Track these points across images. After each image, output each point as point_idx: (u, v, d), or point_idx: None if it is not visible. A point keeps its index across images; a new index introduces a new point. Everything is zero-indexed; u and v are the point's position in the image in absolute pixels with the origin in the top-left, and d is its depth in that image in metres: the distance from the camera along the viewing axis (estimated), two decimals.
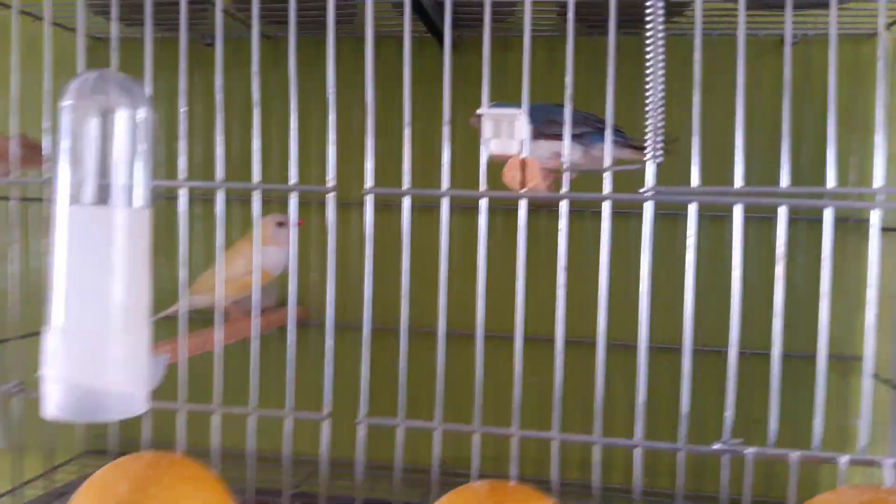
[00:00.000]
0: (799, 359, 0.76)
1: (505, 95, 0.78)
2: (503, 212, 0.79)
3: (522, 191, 0.45)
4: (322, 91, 0.62)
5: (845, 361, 0.77)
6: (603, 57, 0.77)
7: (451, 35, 0.47)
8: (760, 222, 0.76)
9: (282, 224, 0.74)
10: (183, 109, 0.50)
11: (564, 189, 0.46)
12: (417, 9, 0.69)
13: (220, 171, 0.50)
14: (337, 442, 0.53)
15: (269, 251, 0.73)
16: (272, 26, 0.81)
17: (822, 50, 0.74)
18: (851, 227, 0.75)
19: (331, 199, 0.48)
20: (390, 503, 0.77)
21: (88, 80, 0.44)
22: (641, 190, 0.45)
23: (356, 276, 0.79)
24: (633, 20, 0.71)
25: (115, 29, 0.51)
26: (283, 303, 0.85)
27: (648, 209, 0.45)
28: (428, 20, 0.72)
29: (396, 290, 0.78)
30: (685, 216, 0.45)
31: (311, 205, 0.81)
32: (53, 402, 0.45)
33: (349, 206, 0.82)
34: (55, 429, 0.76)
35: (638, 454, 0.47)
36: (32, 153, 0.71)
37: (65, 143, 0.44)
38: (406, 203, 0.48)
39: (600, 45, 0.77)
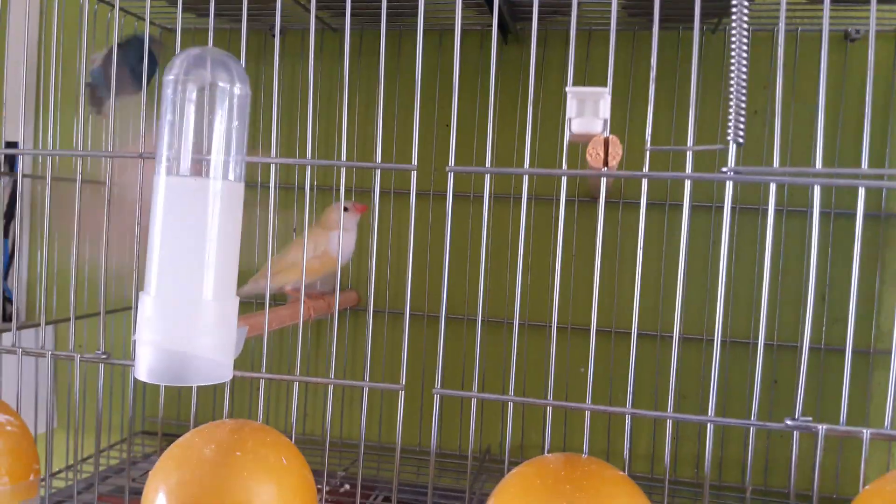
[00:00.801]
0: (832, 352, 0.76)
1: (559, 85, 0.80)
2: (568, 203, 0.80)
3: (605, 169, 0.46)
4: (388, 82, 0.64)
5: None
6: (665, 49, 0.79)
7: (534, 28, 0.49)
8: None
9: (347, 209, 0.76)
10: (276, 92, 0.51)
11: (645, 168, 0.47)
12: (486, 1, 0.71)
13: (308, 149, 0.51)
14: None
15: (335, 236, 0.74)
16: (339, 18, 0.83)
17: (882, 47, 0.74)
18: None
19: (414, 177, 0.50)
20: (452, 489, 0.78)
21: (190, 55, 0.46)
22: (723, 169, 0.46)
23: (414, 265, 0.81)
24: (689, 15, 0.72)
25: (212, 10, 0.53)
26: (341, 288, 0.87)
27: (728, 189, 0.46)
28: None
29: (455, 278, 0.80)
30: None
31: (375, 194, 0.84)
32: (144, 365, 0.46)
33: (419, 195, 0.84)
34: (132, 408, 0.79)
35: (710, 429, 0.47)
36: None
37: (166, 117, 0.46)
38: (487, 181, 0.49)
39: (664, 40, 0.79)
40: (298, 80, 0.88)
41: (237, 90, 0.47)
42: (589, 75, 0.80)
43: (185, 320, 0.46)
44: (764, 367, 0.80)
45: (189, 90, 0.46)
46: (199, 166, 0.47)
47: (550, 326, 0.49)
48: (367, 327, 0.51)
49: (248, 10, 0.76)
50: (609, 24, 0.80)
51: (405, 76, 0.85)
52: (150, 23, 0.88)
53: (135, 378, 0.45)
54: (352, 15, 0.80)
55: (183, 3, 0.78)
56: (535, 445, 0.83)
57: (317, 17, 0.80)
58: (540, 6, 0.72)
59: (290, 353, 0.88)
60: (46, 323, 0.81)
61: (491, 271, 0.83)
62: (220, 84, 0.46)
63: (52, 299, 0.90)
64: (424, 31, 0.84)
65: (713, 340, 0.46)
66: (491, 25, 0.79)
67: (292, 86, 0.88)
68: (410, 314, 0.83)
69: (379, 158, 0.50)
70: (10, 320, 0.85)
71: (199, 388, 0.62)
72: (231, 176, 0.47)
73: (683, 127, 0.76)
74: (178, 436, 0.48)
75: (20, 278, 0.92)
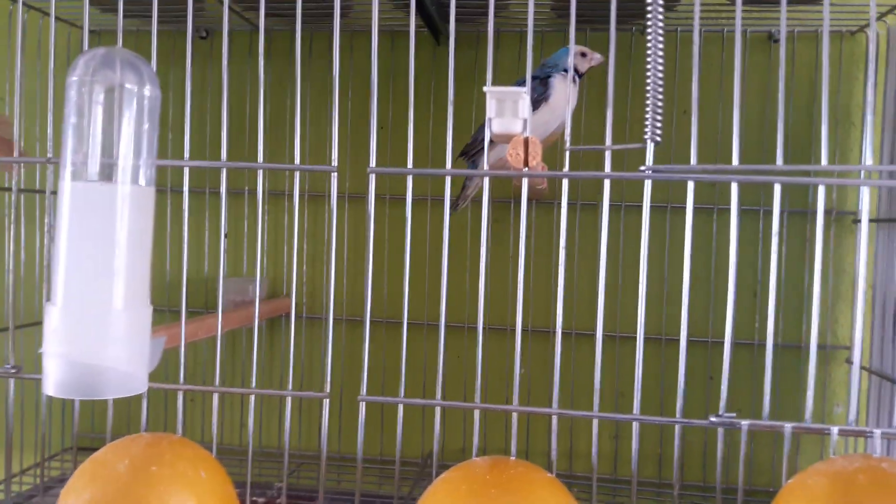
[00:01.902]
0: (783, 348, 0.77)
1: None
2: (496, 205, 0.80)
3: (526, 169, 0.46)
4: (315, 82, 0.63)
5: (826, 351, 0.79)
6: (594, 49, 0.79)
7: (454, 29, 0.48)
8: (745, 215, 0.78)
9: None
10: (188, 89, 0.50)
11: (565, 168, 0.47)
12: (417, 4, 0.71)
13: (223, 151, 0.50)
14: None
15: None
16: (267, 19, 0.82)
17: (805, 46, 0.76)
18: (834, 220, 0.77)
19: (334, 179, 0.49)
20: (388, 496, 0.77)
21: (96, 56, 0.45)
22: (641, 168, 0.46)
23: (340, 270, 0.80)
24: (622, 15, 0.73)
25: (121, 10, 0.51)
26: (269, 296, 0.86)
27: (647, 187, 0.46)
28: (424, 14, 0.73)
29: (383, 284, 0.80)
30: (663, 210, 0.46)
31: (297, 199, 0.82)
32: (53, 379, 0.44)
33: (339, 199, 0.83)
34: (44, 424, 0.75)
35: (636, 427, 0.47)
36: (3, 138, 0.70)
37: (70, 120, 0.44)
38: (409, 183, 0.48)
39: (592, 40, 0.80)
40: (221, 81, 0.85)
41: (146, 91, 0.46)
42: (522, 75, 0.80)
43: (95, 331, 0.45)
44: (698, 363, 0.81)
45: (95, 91, 0.44)
46: (107, 171, 0.45)
47: (478, 329, 0.49)
48: (290, 334, 0.50)
49: (174, 11, 0.75)
50: (539, 25, 0.81)
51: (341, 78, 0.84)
52: (73, 25, 0.85)
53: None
54: (282, 16, 0.79)
55: (105, 5, 0.76)
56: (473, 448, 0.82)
57: (245, 18, 0.78)
58: (469, 7, 0.73)
59: (233, 363, 0.86)
60: None
61: (427, 274, 0.82)
62: (128, 85, 0.45)
63: None
64: (359, 32, 0.84)
65: (648, 339, 0.47)
66: (424, 27, 0.78)
67: (219, 88, 0.85)
68: (347, 319, 0.82)
69: (298, 161, 0.49)
70: None
71: (124, 401, 0.60)
72: (141, 180, 0.46)
73: (618, 127, 0.77)
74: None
75: None
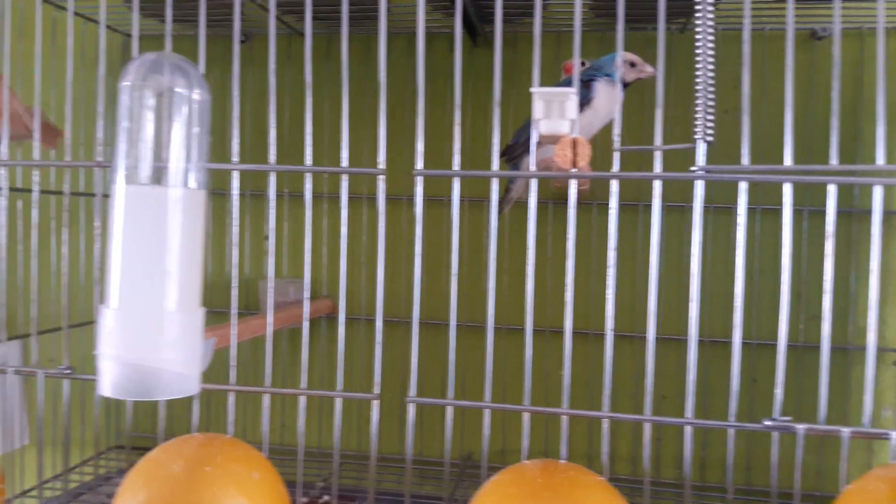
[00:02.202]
0: (810, 349, 0.76)
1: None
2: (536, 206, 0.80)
3: (574, 170, 0.46)
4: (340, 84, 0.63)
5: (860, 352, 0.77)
6: (633, 49, 0.78)
7: (493, 30, 0.48)
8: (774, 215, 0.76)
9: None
10: (236, 94, 0.50)
11: (615, 168, 0.46)
12: (451, 4, 0.71)
13: (272, 153, 0.50)
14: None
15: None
16: (302, 22, 0.82)
17: (848, 44, 0.75)
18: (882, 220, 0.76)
19: (381, 181, 0.49)
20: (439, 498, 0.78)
21: (146, 61, 0.45)
22: (692, 168, 0.45)
23: (390, 271, 0.80)
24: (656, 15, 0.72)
25: (169, 13, 0.52)
26: (314, 296, 0.86)
27: (698, 188, 0.46)
28: (462, 15, 0.73)
29: (433, 285, 0.80)
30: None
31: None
32: (108, 380, 0.45)
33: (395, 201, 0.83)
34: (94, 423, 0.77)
35: (689, 432, 0.47)
36: (46, 130, 0.71)
37: (123, 124, 0.45)
38: (456, 185, 0.48)
39: (630, 40, 0.79)
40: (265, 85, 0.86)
41: (195, 95, 0.46)
42: (560, 76, 0.80)
43: (148, 333, 0.45)
44: (742, 366, 0.80)
45: (146, 96, 0.45)
46: (159, 174, 0.45)
47: (525, 330, 0.48)
48: (340, 335, 0.50)
49: (217, 15, 0.76)
50: (572, 25, 0.80)
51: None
52: (113, 29, 0.87)
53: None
54: (320, 19, 0.79)
55: (145, 9, 0.77)
56: (516, 450, 0.82)
57: (284, 21, 0.79)
58: (508, 8, 0.72)
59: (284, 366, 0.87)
60: (9, 338, 0.79)
61: (467, 276, 0.82)
62: (178, 90, 0.45)
63: (27, 311, 0.88)
64: (396, 34, 0.84)
65: (702, 342, 0.46)
66: (461, 28, 0.78)
67: (262, 91, 0.86)
68: (386, 321, 0.82)
69: (346, 163, 0.49)
70: None
71: (171, 401, 0.61)
72: (192, 183, 0.46)
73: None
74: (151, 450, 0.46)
75: None
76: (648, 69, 0.65)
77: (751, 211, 0.76)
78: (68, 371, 0.53)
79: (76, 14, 0.81)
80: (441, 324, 0.81)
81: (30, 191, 0.57)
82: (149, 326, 0.45)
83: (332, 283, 0.86)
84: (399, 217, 0.83)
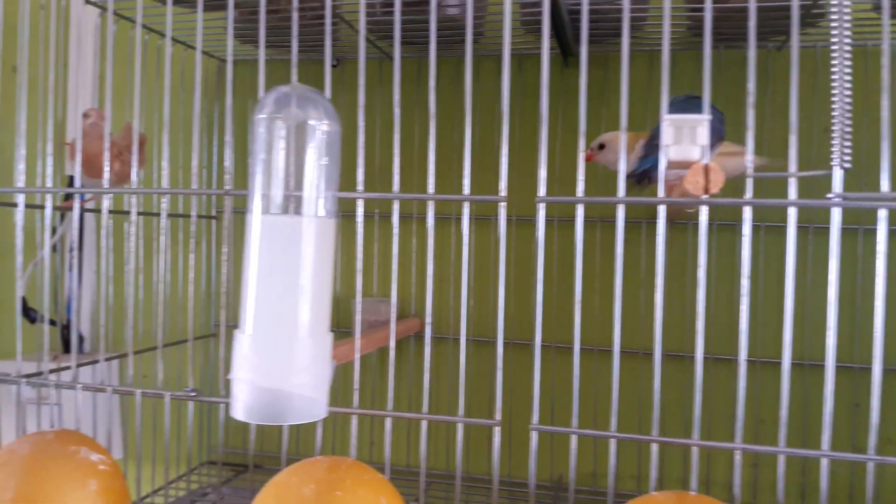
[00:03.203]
0: None
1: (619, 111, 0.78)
2: (634, 225, 0.79)
3: (705, 197, 0.45)
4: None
5: None
6: (730, 68, 0.78)
7: (586, 52, 0.48)
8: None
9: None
10: (361, 124, 0.51)
11: (748, 195, 0.46)
12: (553, 27, 0.71)
13: (396, 182, 0.51)
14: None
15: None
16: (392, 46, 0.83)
17: None
18: None
19: (503, 208, 0.49)
20: None
21: (280, 93, 0.47)
22: (828, 195, 0.44)
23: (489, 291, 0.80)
24: (758, 32, 0.71)
25: (294, 47, 0.53)
26: (402, 315, 0.87)
27: (835, 215, 0.45)
28: (558, 36, 0.74)
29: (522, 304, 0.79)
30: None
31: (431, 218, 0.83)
32: (241, 404, 0.46)
33: (480, 220, 0.84)
34: (189, 439, 0.78)
35: (825, 465, 0.46)
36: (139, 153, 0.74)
37: (259, 156, 0.46)
38: (580, 211, 0.48)
39: (727, 58, 0.78)
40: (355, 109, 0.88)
41: (326, 126, 0.47)
42: (653, 96, 0.79)
43: (281, 358, 0.46)
44: (844, 389, 0.78)
45: (280, 128, 0.46)
46: (292, 203, 0.46)
47: (613, 352, 0.48)
48: (461, 357, 0.50)
49: (309, 40, 0.77)
50: (673, 43, 0.80)
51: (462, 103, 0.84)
52: (209, 55, 0.89)
53: (194, 409, 0.45)
54: (407, 43, 0.80)
55: (243, 37, 0.80)
56: (606, 474, 0.81)
57: (375, 45, 0.80)
58: (602, 29, 0.72)
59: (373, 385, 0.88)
60: (107, 358, 0.81)
61: (556, 296, 0.81)
62: (311, 121, 0.46)
63: (121, 330, 0.90)
64: (486, 56, 0.85)
65: (802, 365, 0.45)
66: (554, 49, 0.79)
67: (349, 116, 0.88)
68: (475, 340, 0.82)
69: (467, 190, 0.50)
70: (79, 351, 0.85)
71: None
72: (323, 212, 0.47)
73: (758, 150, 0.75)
74: (242, 466, 0.47)
75: (81, 311, 0.93)
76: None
77: (853, 231, 0.74)
78: (193, 393, 0.54)
79: (175, 41, 0.84)
80: (546, 345, 0.81)
81: (157, 214, 0.59)
82: (282, 352, 0.46)
83: (420, 302, 0.86)
84: (487, 237, 0.83)
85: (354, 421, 0.53)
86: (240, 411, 0.46)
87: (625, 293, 0.47)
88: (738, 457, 0.46)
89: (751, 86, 0.46)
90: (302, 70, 0.87)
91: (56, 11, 0.65)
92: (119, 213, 0.81)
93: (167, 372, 0.89)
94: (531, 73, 0.83)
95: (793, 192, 0.45)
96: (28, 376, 0.61)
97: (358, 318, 0.52)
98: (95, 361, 0.72)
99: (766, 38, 0.75)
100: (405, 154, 0.84)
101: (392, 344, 0.53)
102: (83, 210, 0.85)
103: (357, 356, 0.52)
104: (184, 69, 0.88)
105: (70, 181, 0.93)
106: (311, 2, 0.71)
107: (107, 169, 0.59)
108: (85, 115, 0.67)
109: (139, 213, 0.62)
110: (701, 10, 0.68)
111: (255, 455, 0.90)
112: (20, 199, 0.61)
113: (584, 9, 0.50)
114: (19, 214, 0.61)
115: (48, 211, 0.62)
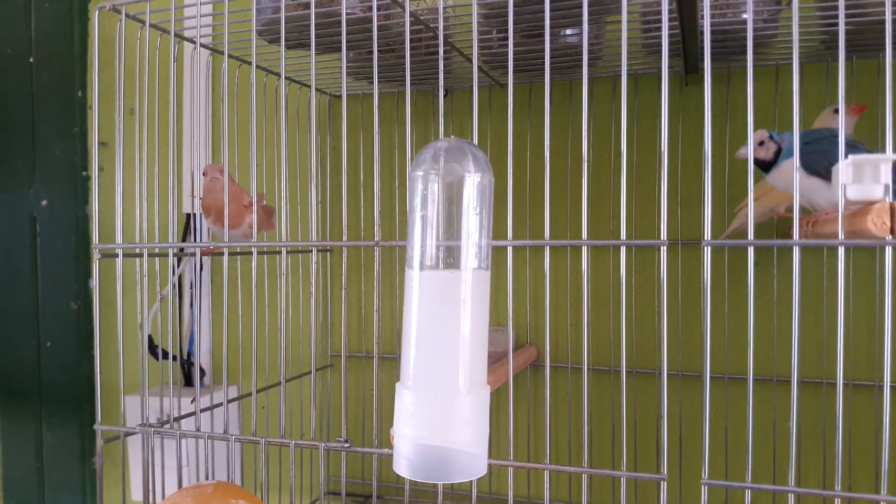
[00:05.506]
0: None
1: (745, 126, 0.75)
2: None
3: (889, 238, 0.42)
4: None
5: None
6: (861, 77, 0.73)
7: (709, 69, 0.46)
8: None
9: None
10: (510, 168, 0.50)
11: None
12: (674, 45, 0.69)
13: (546, 228, 0.50)
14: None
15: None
16: (507, 74, 0.82)
17: None
18: None
19: (664, 252, 0.47)
20: None
21: (437, 149, 0.46)
22: None
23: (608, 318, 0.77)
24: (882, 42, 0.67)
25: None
26: (515, 346, 0.86)
27: None
28: (683, 55, 0.71)
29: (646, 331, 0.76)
30: None
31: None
32: (405, 462, 0.46)
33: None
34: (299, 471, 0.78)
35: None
36: (268, 216, 0.75)
37: (418, 212, 0.46)
38: (751, 253, 0.46)
39: (859, 68, 0.74)
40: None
41: (480, 178, 0.46)
42: (780, 110, 0.76)
43: (444, 414, 0.46)
44: None
45: (436, 183, 0.46)
46: (450, 256, 0.46)
47: (748, 380, 0.45)
48: (622, 407, 0.48)
49: (417, 72, 0.77)
50: (801, 56, 0.76)
51: (575, 126, 0.83)
52: (321, 92, 0.90)
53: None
54: (522, 70, 0.79)
55: (354, 74, 0.80)
56: None
57: (489, 75, 0.80)
58: (728, 46, 0.70)
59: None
60: (230, 400, 0.83)
61: (681, 322, 0.79)
62: (467, 175, 0.46)
63: (235, 361, 0.92)
64: (599, 78, 0.82)
65: None
66: (673, 68, 0.76)
67: None
68: (594, 369, 0.81)
69: (623, 235, 0.48)
70: (200, 385, 0.88)
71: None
72: (479, 264, 0.46)
73: None
74: (363, 496, 0.46)
75: (202, 350, 0.95)
76: None
77: None
78: (347, 444, 0.54)
79: (291, 80, 0.85)
80: (672, 374, 0.79)
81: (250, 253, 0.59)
82: (444, 408, 0.45)
83: (535, 331, 0.85)
84: (607, 264, 0.81)
85: (511, 473, 0.52)
86: (403, 468, 0.46)
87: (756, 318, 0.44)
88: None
89: None
90: (392, 103, 0.88)
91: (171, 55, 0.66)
92: (241, 254, 0.82)
93: (289, 405, 0.90)
94: (646, 92, 0.80)
95: None
96: (155, 426, 0.62)
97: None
98: (219, 405, 0.73)
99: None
100: (518, 181, 0.82)
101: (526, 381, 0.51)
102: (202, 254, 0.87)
103: (510, 407, 0.51)
104: (298, 108, 0.89)
105: (186, 219, 0.95)
106: (422, 34, 0.71)
107: (225, 228, 0.60)
108: (203, 173, 0.69)
109: (259, 252, 0.63)
110: (836, 24, 0.64)
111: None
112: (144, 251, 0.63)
113: (707, 28, 0.48)
114: (144, 263, 0.63)
115: (171, 259, 0.63)
